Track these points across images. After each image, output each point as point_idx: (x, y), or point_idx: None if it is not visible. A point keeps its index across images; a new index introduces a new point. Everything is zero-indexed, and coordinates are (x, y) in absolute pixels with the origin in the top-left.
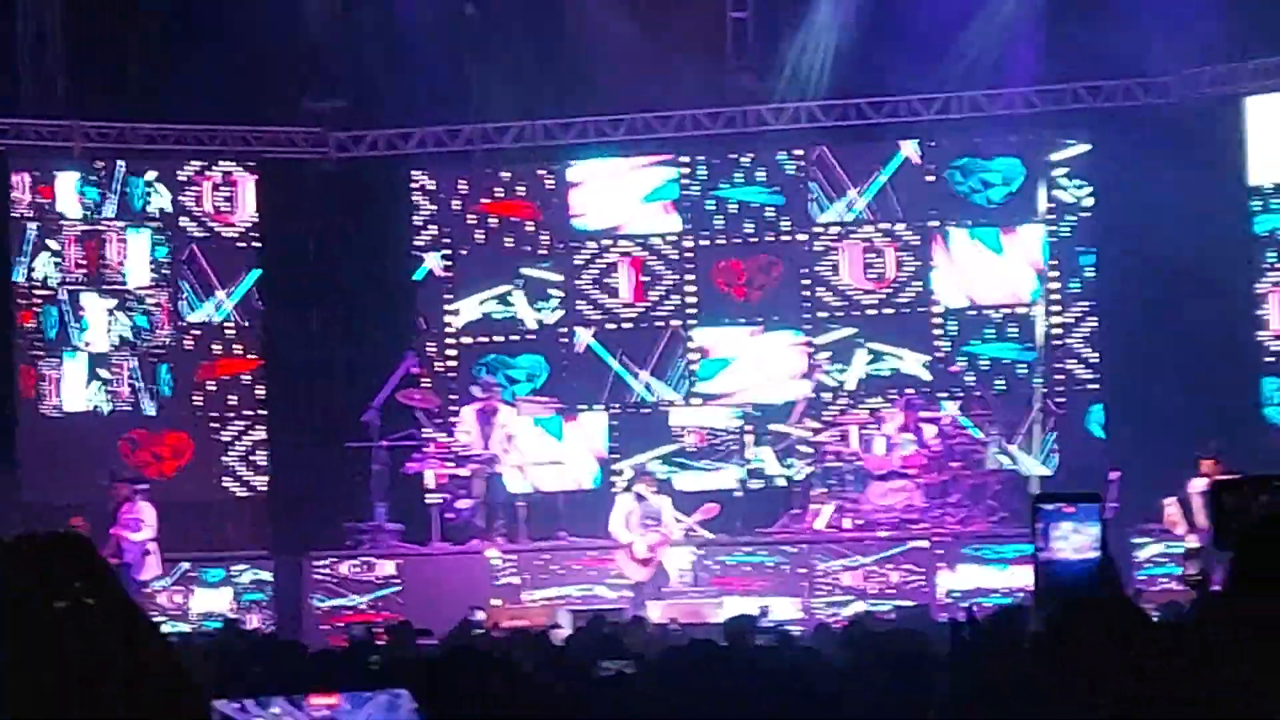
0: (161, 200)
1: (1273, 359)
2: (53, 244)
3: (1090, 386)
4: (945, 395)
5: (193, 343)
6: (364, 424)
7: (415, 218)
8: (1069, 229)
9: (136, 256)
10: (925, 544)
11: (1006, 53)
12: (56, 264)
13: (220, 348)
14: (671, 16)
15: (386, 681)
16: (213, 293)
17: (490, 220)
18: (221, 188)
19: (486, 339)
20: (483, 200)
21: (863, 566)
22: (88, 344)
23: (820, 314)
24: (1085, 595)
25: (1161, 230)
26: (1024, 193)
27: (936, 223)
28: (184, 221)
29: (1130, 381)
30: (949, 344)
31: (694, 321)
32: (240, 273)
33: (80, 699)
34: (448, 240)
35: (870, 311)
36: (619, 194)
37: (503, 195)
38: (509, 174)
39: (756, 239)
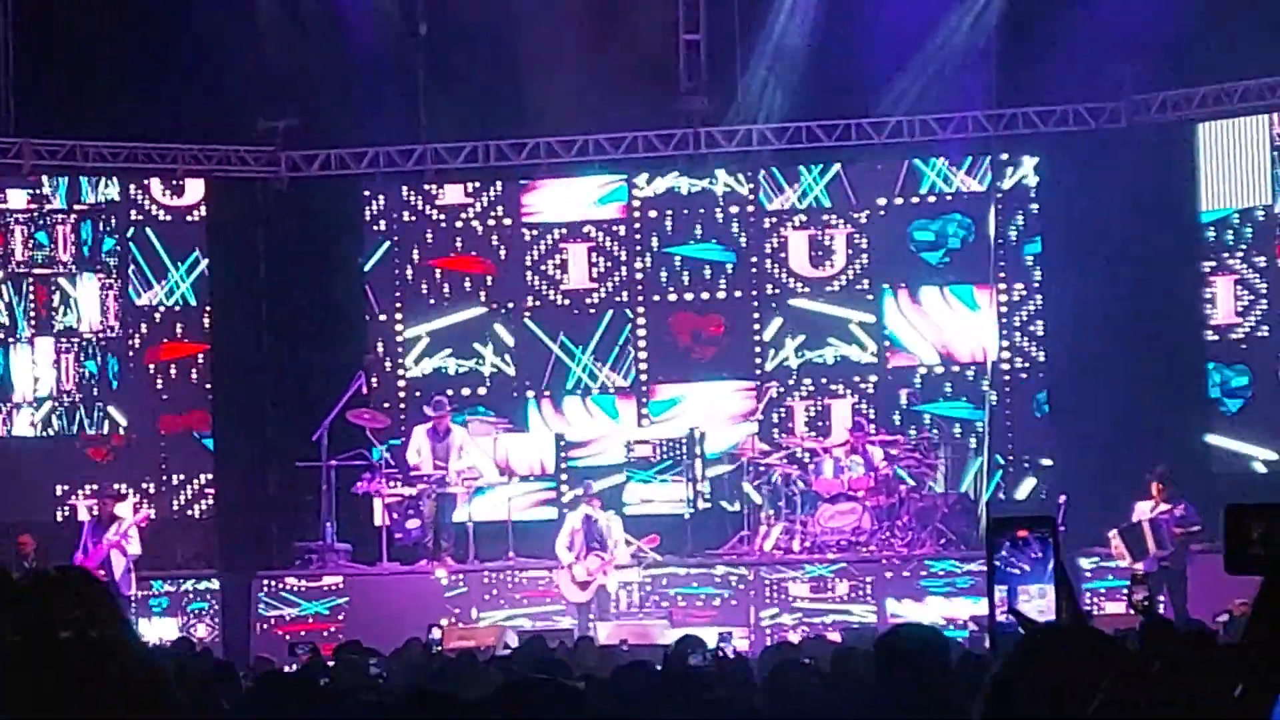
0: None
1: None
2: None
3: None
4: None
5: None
6: (314, 443)
7: (368, 237)
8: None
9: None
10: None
11: (958, 77)
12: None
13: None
14: (623, 38)
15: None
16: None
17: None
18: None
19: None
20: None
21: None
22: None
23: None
24: (1043, 627)
25: (1112, 255)
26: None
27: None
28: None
29: (1079, 398)
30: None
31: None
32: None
33: None
34: (397, 262)
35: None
36: (572, 197)
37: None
38: (460, 185)
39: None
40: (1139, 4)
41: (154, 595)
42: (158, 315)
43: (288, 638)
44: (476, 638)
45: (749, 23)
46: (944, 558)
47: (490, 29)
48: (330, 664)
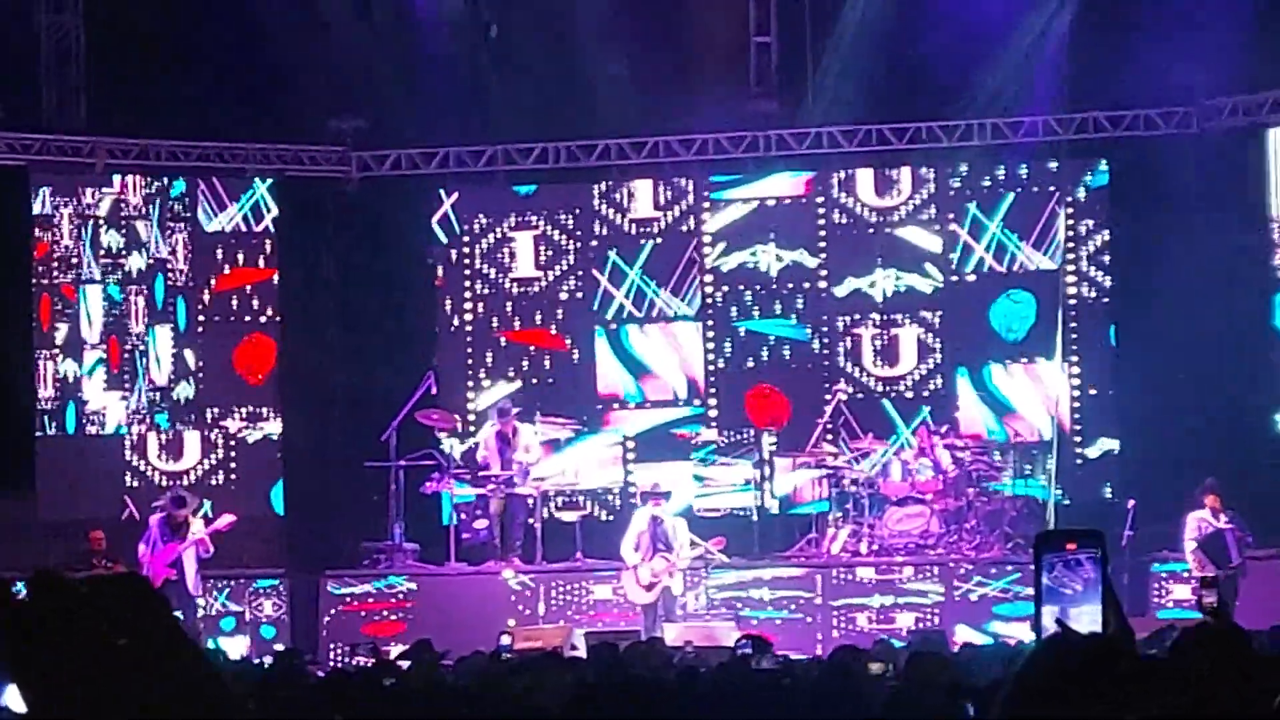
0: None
1: None
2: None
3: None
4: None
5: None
6: (383, 443)
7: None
8: (1087, 262)
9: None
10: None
11: (1029, 80)
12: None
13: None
14: (694, 40)
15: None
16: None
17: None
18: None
19: None
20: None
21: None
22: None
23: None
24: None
25: (1181, 263)
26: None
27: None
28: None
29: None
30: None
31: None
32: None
33: None
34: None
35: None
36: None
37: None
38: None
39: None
40: (1210, 8)
41: (223, 614)
42: (230, 315)
43: (361, 615)
44: (544, 638)
45: (820, 25)
46: (1010, 562)
47: (560, 30)
48: (400, 664)
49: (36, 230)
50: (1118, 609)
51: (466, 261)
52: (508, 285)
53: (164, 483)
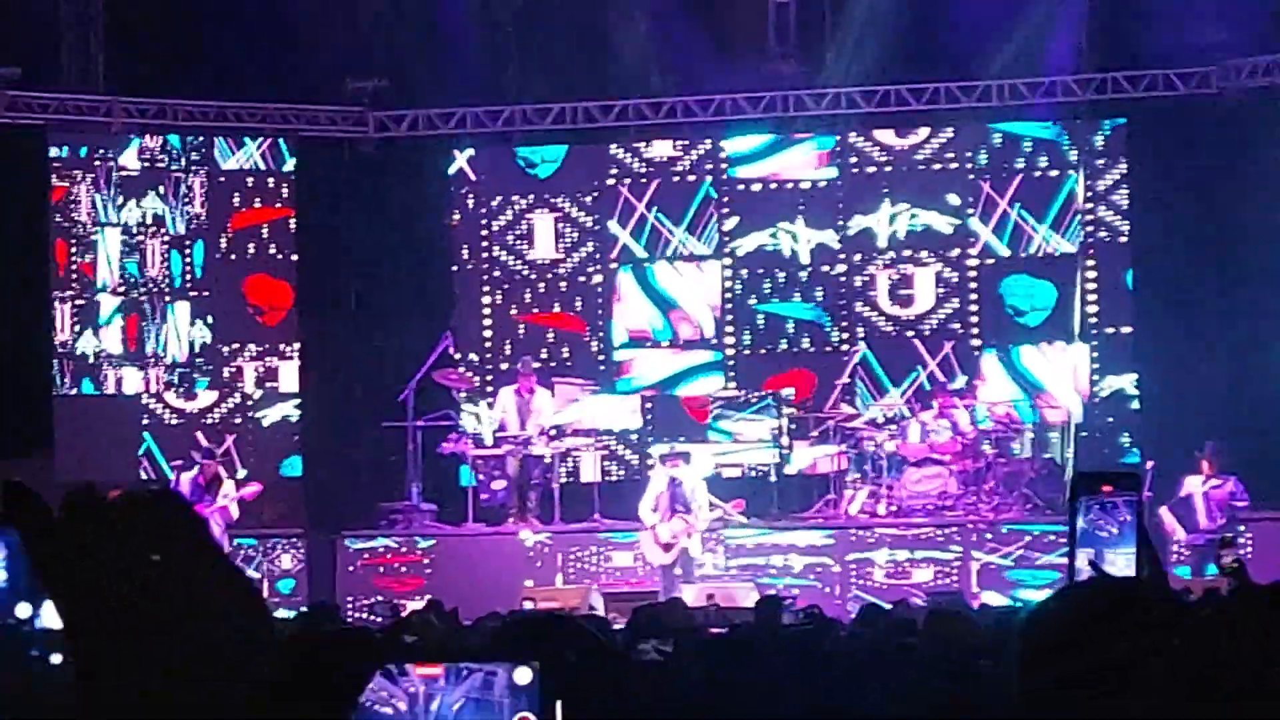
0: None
1: None
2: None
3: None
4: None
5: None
6: (400, 403)
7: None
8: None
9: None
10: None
11: (1048, 41)
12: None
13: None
14: (714, 1)
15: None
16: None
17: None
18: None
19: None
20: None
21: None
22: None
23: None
24: (1122, 582)
25: (1202, 223)
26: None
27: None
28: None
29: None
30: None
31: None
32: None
33: (174, 653)
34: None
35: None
36: None
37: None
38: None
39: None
40: None
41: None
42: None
43: (380, 570)
44: (562, 599)
45: None
46: (1029, 521)
47: None
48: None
49: (54, 179)
50: (1153, 554)
51: (484, 245)
52: (524, 269)
53: (174, 421)
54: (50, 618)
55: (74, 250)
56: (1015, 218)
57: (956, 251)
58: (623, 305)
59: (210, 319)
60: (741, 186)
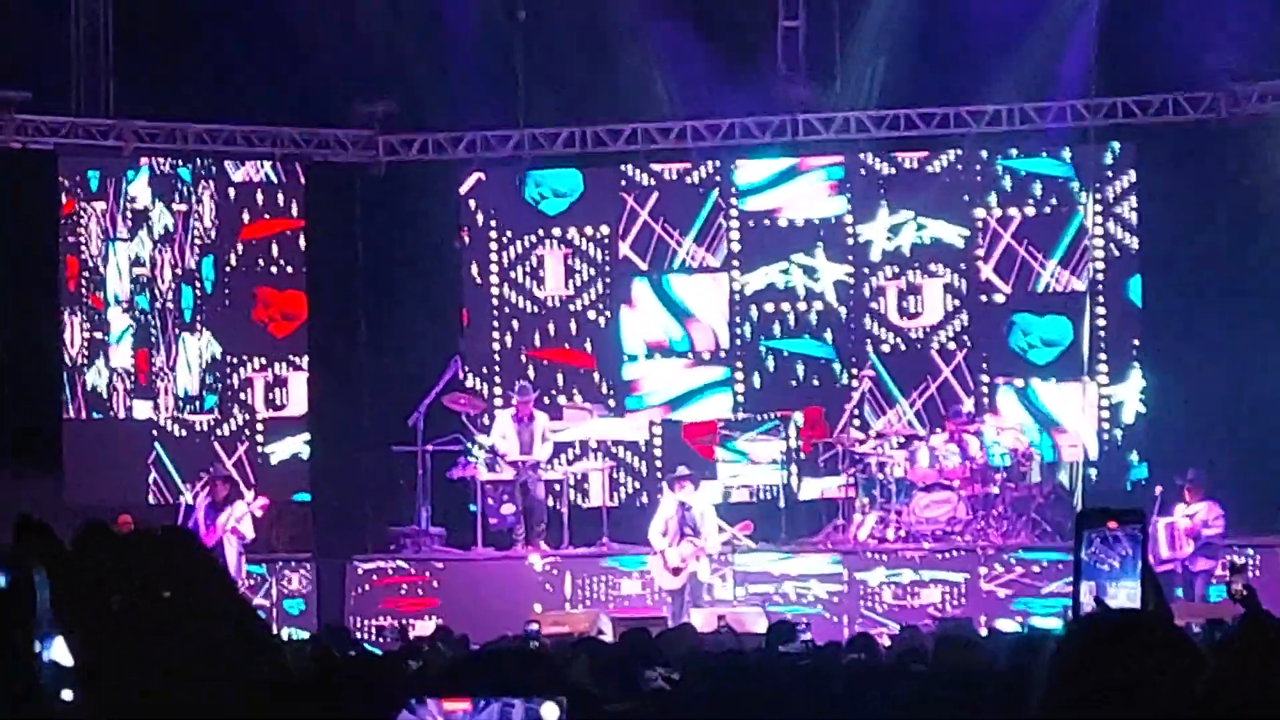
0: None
1: None
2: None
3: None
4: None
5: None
6: (410, 427)
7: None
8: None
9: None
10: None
11: (1056, 66)
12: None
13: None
14: (722, 24)
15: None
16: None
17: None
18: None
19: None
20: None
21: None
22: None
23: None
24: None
25: (1210, 248)
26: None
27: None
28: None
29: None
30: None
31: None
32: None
33: (186, 689)
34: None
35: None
36: None
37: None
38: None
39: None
40: None
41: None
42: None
43: (391, 590)
44: (571, 624)
45: (848, 9)
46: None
47: (588, 13)
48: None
49: (63, 198)
50: (1157, 588)
51: (494, 280)
52: (532, 306)
53: (182, 434)
54: (60, 652)
55: (85, 271)
56: (1023, 254)
57: (964, 265)
58: (638, 314)
59: (219, 332)
60: (752, 223)
